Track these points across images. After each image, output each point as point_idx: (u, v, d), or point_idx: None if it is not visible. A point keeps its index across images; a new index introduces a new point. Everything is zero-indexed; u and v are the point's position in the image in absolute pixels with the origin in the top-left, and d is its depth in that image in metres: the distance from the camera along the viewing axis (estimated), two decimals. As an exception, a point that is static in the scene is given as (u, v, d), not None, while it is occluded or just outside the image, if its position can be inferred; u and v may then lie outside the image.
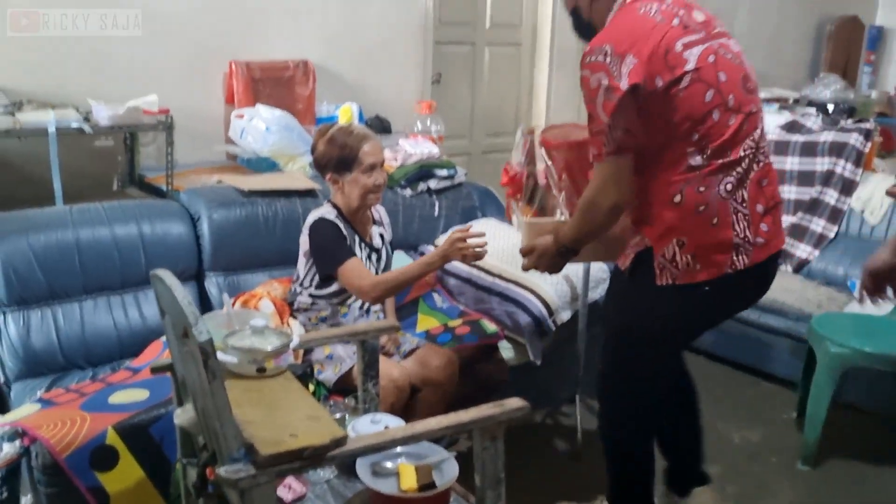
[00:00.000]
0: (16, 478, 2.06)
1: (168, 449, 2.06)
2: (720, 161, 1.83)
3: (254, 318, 1.78)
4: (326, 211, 2.42)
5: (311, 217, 2.42)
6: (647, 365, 2.05)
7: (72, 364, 2.50)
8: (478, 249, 2.29)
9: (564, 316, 2.85)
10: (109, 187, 3.37)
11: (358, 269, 2.34)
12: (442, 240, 2.49)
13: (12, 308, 2.46)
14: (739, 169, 1.86)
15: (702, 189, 1.84)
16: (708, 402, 3.27)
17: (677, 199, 1.85)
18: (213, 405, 1.41)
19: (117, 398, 2.20)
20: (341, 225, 2.40)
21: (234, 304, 2.54)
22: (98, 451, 2.02)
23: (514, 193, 2.48)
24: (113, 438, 2.04)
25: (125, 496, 2.04)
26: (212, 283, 2.76)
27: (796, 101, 5.22)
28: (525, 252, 2.12)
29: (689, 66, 1.78)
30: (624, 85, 1.75)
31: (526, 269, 2.15)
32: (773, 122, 4.24)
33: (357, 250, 2.42)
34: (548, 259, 2.07)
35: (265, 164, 3.27)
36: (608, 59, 1.76)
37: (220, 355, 1.68)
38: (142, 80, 3.31)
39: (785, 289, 3.47)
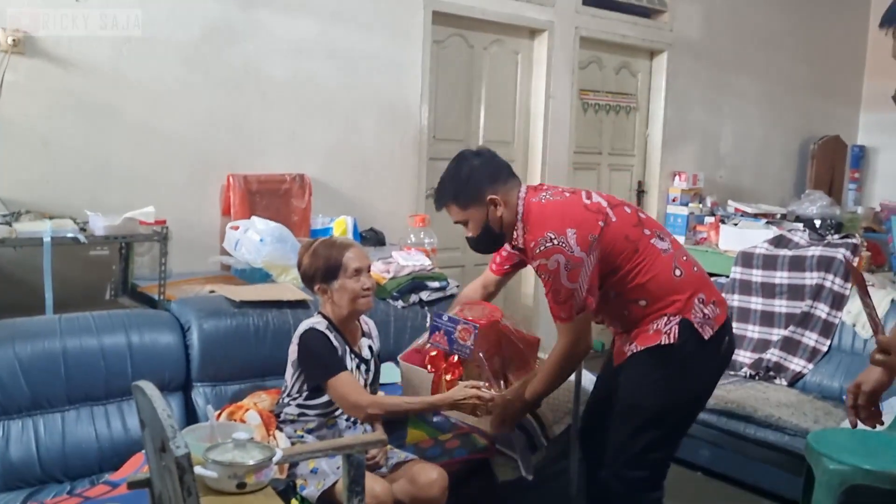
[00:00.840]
0: None
1: (143, 569, 1.98)
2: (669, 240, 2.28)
3: (237, 430, 1.75)
4: (317, 321, 2.42)
5: (302, 327, 2.42)
6: (678, 434, 2.33)
7: (49, 477, 2.42)
8: (489, 405, 2.32)
9: (557, 430, 2.80)
10: (102, 296, 3.39)
11: (351, 383, 2.33)
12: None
13: (-7, 418, 2.41)
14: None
15: (684, 258, 2.26)
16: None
17: (678, 273, 2.21)
18: (189, 522, 1.37)
19: (94, 514, 2.13)
20: (332, 335, 2.39)
21: (220, 416, 2.50)
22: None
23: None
24: (87, 558, 1.96)
25: None
26: (199, 394, 2.72)
27: (783, 217, 5.32)
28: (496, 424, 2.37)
29: (604, 203, 2.21)
30: (578, 253, 2.10)
31: (494, 431, 2.43)
32: (760, 236, 4.31)
33: (347, 360, 2.40)
34: (512, 420, 2.41)
35: (258, 275, 3.29)
36: (556, 241, 2.10)
37: (199, 469, 1.65)
38: (140, 191, 3.38)
39: (781, 403, 3.43)
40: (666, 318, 2.18)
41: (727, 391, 3.51)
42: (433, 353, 2.50)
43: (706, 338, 2.19)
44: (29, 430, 2.44)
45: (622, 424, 2.26)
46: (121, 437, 2.55)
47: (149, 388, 1.55)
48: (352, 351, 2.45)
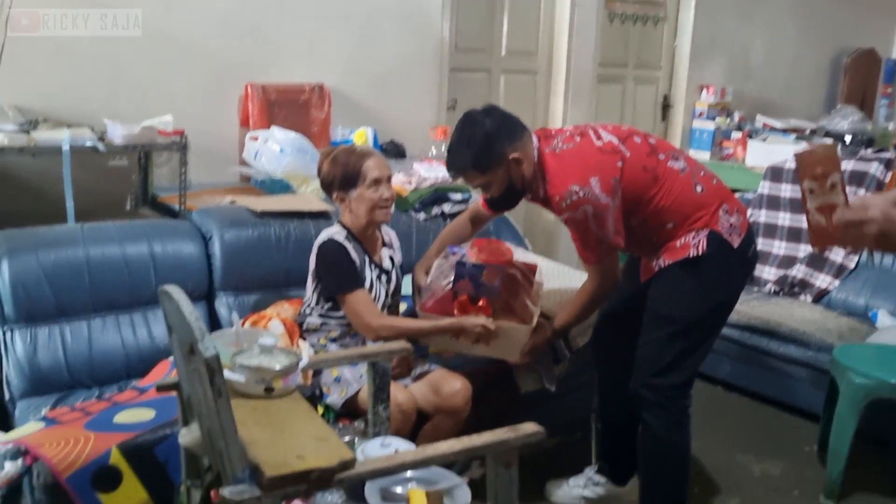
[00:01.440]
0: (17, 497, 2.01)
1: (173, 471, 2.01)
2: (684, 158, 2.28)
3: (262, 336, 1.75)
4: (336, 231, 2.39)
5: (321, 237, 2.39)
6: (708, 343, 2.31)
7: (78, 383, 2.46)
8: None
9: (581, 342, 2.79)
10: (123, 206, 3.36)
11: (366, 302, 2.31)
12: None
13: (20, 325, 2.43)
14: None
15: (702, 173, 2.25)
16: (726, 433, 3.23)
17: (699, 189, 2.20)
18: (218, 424, 1.37)
19: (122, 417, 2.16)
20: (350, 246, 2.36)
21: (243, 325, 2.50)
22: (101, 472, 1.97)
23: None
24: (116, 459, 1.99)
25: (127, 519, 2.00)
26: (222, 304, 2.73)
27: (813, 132, 5.18)
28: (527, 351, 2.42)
29: (615, 140, 2.20)
30: (605, 199, 2.11)
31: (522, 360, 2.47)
32: (788, 152, 4.20)
33: (367, 271, 2.38)
34: (540, 348, 2.46)
35: (279, 186, 3.25)
36: (582, 193, 2.10)
37: (227, 374, 1.65)
38: (158, 101, 3.31)
39: (805, 319, 3.40)
40: (694, 233, 2.18)
41: (751, 307, 3.48)
42: (462, 299, 2.42)
43: (735, 246, 2.19)
44: (56, 337, 2.46)
45: (654, 336, 2.25)
46: (147, 345, 2.57)
47: (176, 292, 1.53)
48: (371, 261, 2.42)
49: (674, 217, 2.20)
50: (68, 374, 2.45)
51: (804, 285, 3.73)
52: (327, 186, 2.40)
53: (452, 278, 2.42)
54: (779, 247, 3.92)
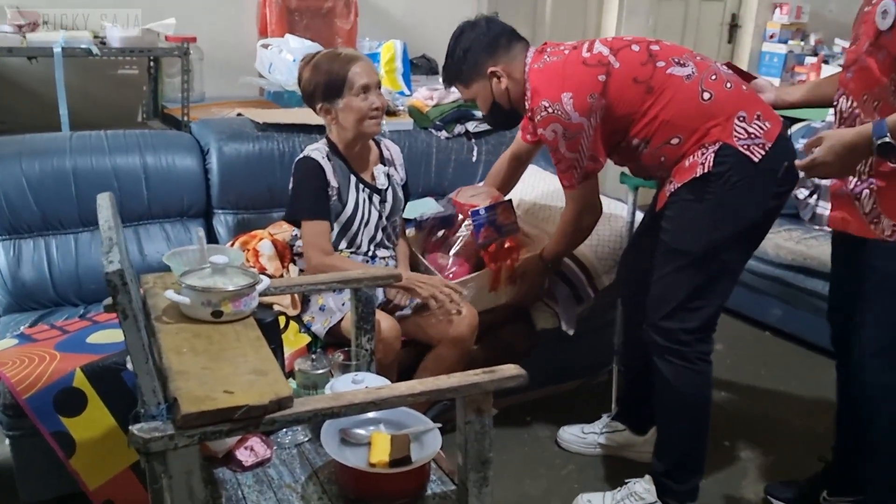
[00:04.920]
0: (-19, 416, 1.91)
1: (142, 396, 1.87)
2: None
3: (217, 255, 1.55)
4: (316, 148, 2.16)
5: (301, 153, 2.17)
6: (729, 279, 2.01)
7: (63, 300, 2.35)
8: (452, 313, 2.11)
9: (606, 281, 2.54)
10: (134, 118, 3.22)
11: (319, 234, 2.10)
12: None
13: (2, 236, 2.31)
14: None
15: (713, 77, 1.93)
16: (770, 382, 2.95)
17: (706, 96, 1.90)
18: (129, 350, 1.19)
19: (97, 338, 2.03)
20: (329, 165, 2.13)
21: (233, 245, 2.33)
22: (63, 394, 1.84)
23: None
24: (80, 381, 1.86)
25: (93, 444, 1.87)
26: (220, 222, 2.56)
27: None
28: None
29: (605, 51, 1.94)
30: (577, 119, 1.91)
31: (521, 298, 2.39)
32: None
33: (351, 191, 2.16)
34: (537, 283, 2.37)
35: (294, 99, 3.03)
36: (551, 110, 1.92)
37: (171, 294, 1.47)
38: (170, 7, 3.10)
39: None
40: (702, 149, 1.89)
41: (807, 246, 3.14)
42: (491, 249, 2.31)
43: (756, 160, 1.86)
44: (41, 251, 2.34)
45: (664, 272, 1.97)
46: (137, 263, 2.42)
47: (102, 199, 1.35)
48: (360, 180, 2.19)
49: (677, 131, 1.90)
50: (54, 291, 2.34)
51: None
52: (309, 97, 2.16)
53: (460, 238, 2.34)
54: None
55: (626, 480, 2.14)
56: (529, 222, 2.61)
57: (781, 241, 3.18)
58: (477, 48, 2.05)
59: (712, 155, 1.86)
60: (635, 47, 1.95)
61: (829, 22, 5.11)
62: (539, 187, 2.76)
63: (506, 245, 2.35)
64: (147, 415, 1.20)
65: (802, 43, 4.85)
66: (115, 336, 2.01)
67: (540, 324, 2.51)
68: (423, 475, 1.47)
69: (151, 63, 3.07)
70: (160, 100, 3.12)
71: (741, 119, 1.87)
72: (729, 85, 1.92)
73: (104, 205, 1.30)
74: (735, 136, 1.86)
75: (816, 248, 3.13)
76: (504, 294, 2.37)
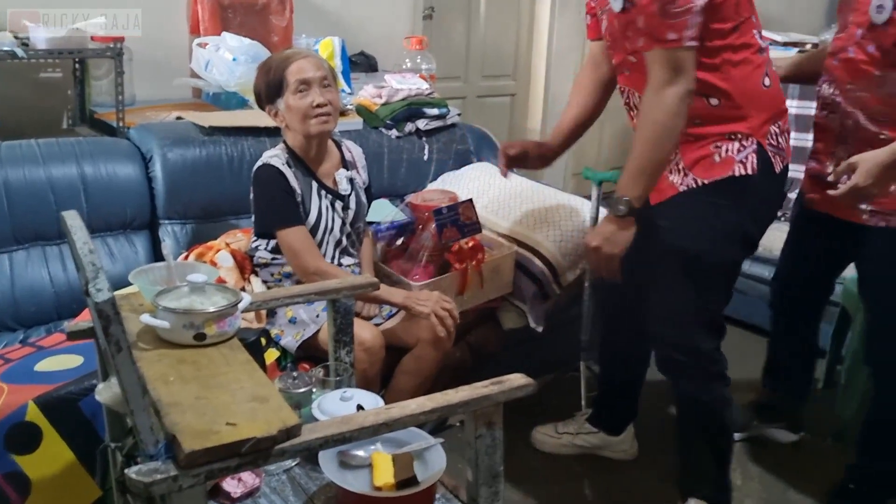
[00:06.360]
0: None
1: (102, 427, 1.72)
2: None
3: (195, 273, 1.44)
4: (274, 155, 2.06)
5: (259, 161, 2.07)
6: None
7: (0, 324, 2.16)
8: (447, 327, 2.02)
9: (570, 276, 2.52)
10: (59, 124, 3.01)
11: (303, 240, 2.00)
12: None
13: (-72, 259, 2.11)
14: None
15: (774, 68, 1.77)
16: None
17: (766, 82, 1.70)
18: (121, 386, 1.08)
19: (45, 365, 1.87)
20: (290, 172, 2.03)
21: (186, 257, 2.20)
22: (16, 430, 1.69)
23: None
24: (34, 414, 1.70)
25: (50, 483, 1.72)
26: (166, 233, 2.41)
27: (814, 46, 4.84)
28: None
29: None
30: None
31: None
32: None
33: (313, 199, 2.07)
34: (611, 233, 1.72)
35: (234, 101, 2.89)
36: None
37: (148, 319, 1.36)
38: (99, 5, 2.90)
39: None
40: (738, 143, 1.69)
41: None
42: (455, 249, 2.26)
43: (777, 171, 1.75)
44: (-28, 273, 2.15)
45: (670, 281, 1.82)
46: (78, 282, 2.25)
47: (71, 217, 1.23)
48: (322, 186, 2.09)
49: (723, 96, 1.66)
50: (-12, 315, 2.15)
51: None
52: (258, 100, 2.07)
53: (425, 237, 2.26)
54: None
55: None
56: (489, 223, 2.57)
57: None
58: None
59: (753, 155, 1.69)
60: None
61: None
62: (496, 185, 2.71)
63: (469, 244, 2.30)
64: (144, 454, 1.09)
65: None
66: (65, 362, 1.87)
67: (507, 324, 2.47)
68: (430, 496, 1.40)
69: (77, 65, 2.88)
70: (88, 104, 2.92)
71: (778, 126, 1.74)
72: (782, 86, 1.80)
73: (75, 224, 1.18)
74: (767, 140, 1.72)
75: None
76: (471, 297, 2.31)
